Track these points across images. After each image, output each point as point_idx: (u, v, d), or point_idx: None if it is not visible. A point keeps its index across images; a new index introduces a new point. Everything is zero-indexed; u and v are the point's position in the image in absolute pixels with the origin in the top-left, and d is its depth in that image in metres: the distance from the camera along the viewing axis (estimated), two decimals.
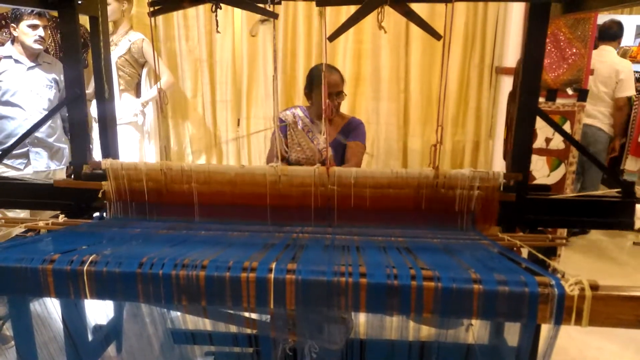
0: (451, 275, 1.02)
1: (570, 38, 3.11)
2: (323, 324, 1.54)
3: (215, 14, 1.53)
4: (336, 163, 2.35)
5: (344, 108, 2.91)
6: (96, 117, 1.85)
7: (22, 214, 2.74)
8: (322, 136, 2.33)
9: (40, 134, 2.86)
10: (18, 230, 1.47)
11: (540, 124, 1.61)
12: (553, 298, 0.97)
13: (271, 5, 1.49)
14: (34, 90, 2.83)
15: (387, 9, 1.46)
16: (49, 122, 2.87)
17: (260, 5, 1.51)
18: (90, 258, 1.10)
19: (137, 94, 3.44)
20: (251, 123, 3.76)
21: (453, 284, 1.00)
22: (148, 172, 1.59)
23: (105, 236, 1.39)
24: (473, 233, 1.47)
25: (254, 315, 1.66)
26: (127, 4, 3.26)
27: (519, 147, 1.60)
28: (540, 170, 3.25)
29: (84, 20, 1.75)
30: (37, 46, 2.78)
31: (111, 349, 1.88)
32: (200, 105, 3.74)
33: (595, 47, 3.84)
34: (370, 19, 1.50)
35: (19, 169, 2.86)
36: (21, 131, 2.79)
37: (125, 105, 3.30)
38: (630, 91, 4.00)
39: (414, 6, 1.46)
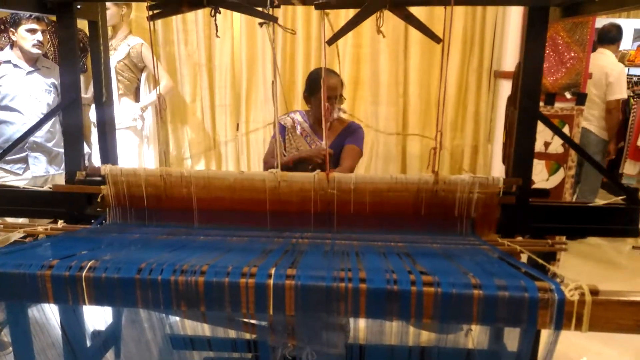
0: (451, 281, 1.01)
1: (568, 42, 3.12)
2: (321, 331, 1.54)
3: (214, 18, 1.53)
4: (332, 166, 2.35)
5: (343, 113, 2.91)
6: (95, 121, 1.84)
7: (21, 219, 2.74)
8: (321, 141, 2.33)
9: (39, 138, 2.85)
10: (17, 235, 1.46)
11: (539, 128, 1.61)
12: (553, 303, 0.97)
13: (270, 9, 1.49)
14: (32, 94, 2.83)
15: (386, 13, 1.46)
16: (48, 127, 2.87)
17: (259, 9, 1.51)
18: (89, 264, 1.09)
19: (136, 98, 3.44)
20: (250, 127, 3.76)
21: (453, 289, 1.00)
22: (147, 177, 1.58)
23: (104, 242, 1.39)
24: (473, 238, 1.47)
25: (252, 320, 1.65)
26: (126, 9, 3.27)
27: (520, 152, 1.59)
28: (539, 175, 3.25)
29: (83, 24, 1.75)
30: (35, 50, 2.78)
31: (110, 355, 1.87)
32: (200, 110, 3.74)
33: (594, 50, 3.85)
34: (369, 23, 1.50)
35: (17, 174, 2.85)
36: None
37: (124, 110, 3.30)
38: (620, 94, 3.98)
39: (413, 10, 1.47)
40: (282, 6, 1.54)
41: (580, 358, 2.53)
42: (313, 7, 1.48)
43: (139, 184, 1.58)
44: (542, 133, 3.11)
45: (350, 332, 1.64)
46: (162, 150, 3.46)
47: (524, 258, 1.36)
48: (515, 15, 3.21)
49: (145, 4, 1.52)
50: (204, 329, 1.69)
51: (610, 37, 4.13)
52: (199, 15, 3.48)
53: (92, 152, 3.18)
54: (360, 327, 1.42)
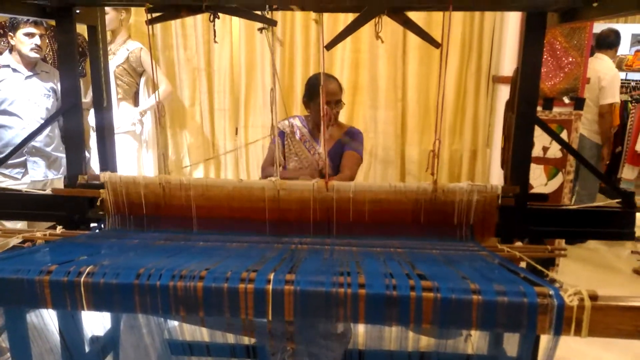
0: (450, 286, 1.01)
1: (566, 47, 3.13)
2: (319, 337, 1.54)
3: (213, 23, 1.53)
4: (333, 172, 2.35)
5: (342, 117, 2.91)
6: (94, 126, 1.84)
7: (20, 224, 2.73)
8: (320, 147, 2.33)
9: (38, 143, 2.85)
10: (15, 241, 1.46)
11: (537, 132, 1.62)
12: (552, 308, 0.97)
13: (269, 12, 1.50)
14: (31, 99, 2.83)
15: (385, 19, 1.46)
16: (47, 131, 2.87)
17: (258, 12, 1.51)
18: (88, 269, 1.09)
19: (135, 103, 3.44)
20: (249, 132, 3.76)
21: (452, 294, 1.00)
22: (146, 185, 1.59)
23: (103, 247, 1.38)
24: (472, 244, 1.47)
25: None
26: (125, 13, 3.27)
27: (518, 157, 1.60)
28: (538, 179, 3.25)
29: (82, 29, 1.75)
30: (33, 54, 2.78)
31: None
32: (199, 114, 3.74)
33: (592, 55, 3.87)
34: (368, 28, 1.50)
35: (16, 179, 2.85)
36: (19, 140, 2.78)
37: (123, 114, 3.30)
38: (612, 98, 4.00)
39: (411, 15, 1.47)
40: (281, 12, 1.55)
41: None
42: (311, 12, 1.48)
43: (138, 191, 1.59)
44: (540, 138, 3.13)
45: (350, 338, 1.64)
46: (161, 153, 3.46)
47: (523, 263, 1.36)
48: (513, 20, 3.22)
49: (144, 9, 1.52)
50: (203, 334, 1.69)
51: (608, 42, 4.16)
52: (198, 20, 3.49)
53: (91, 157, 3.18)
54: (360, 332, 1.42)
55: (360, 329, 1.39)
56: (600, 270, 3.87)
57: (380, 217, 1.52)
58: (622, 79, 5.55)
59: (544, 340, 1.05)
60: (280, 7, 1.54)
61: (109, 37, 3.18)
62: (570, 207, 1.61)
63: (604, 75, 3.98)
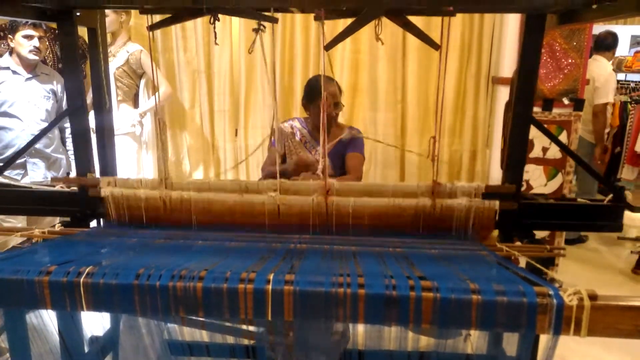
0: (450, 286, 1.01)
1: (566, 48, 3.13)
2: (315, 338, 1.54)
3: (213, 25, 1.53)
4: (335, 173, 2.35)
5: (342, 119, 2.91)
6: (94, 127, 1.84)
7: (19, 224, 2.74)
8: (320, 147, 2.33)
9: (37, 144, 2.85)
10: (15, 241, 1.46)
11: (536, 133, 1.62)
12: (552, 308, 0.97)
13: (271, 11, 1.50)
14: (31, 101, 2.84)
15: (385, 20, 1.47)
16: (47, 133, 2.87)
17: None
18: (87, 270, 1.09)
19: (135, 104, 3.44)
20: (249, 133, 3.76)
21: (452, 294, 1.00)
22: (147, 199, 1.61)
23: (102, 246, 1.38)
24: (471, 243, 1.47)
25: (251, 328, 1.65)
26: (125, 16, 3.28)
27: (514, 156, 1.62)
28: (538, 180, 3.25)
29: (82, 31, 1.76)
30: (32, 57, 2.78)
31: None
32: (198, 116, 3.74)
33: (590, 57, 3.89)
34: (367, 30, 1.51)
35: (16, 180, 2.85)
36: (19, 142, 2.79)
37: (123, 116, 3.30)
38: (606, 98, 4.08)
39: (411, 16, 1.47)
40: (281, 14, 1.55)
41: None
42: (312, 14, 1.48)
43: (139, 205, 1.61)
44: (540, 138, 3.13)
45: (349, 338, 1.64)
46: (160, 154, 3.47)
47: (522, 263, 1.36)
48: (513, 22, 3.22)
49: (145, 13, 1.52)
50: (202, 335, 1.69)
51: (606, 44, 4.23)
52: (198, 22, 3.49)
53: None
54: (359, 332, 1.42)
55: (360, 328, 1.39)
56: (600, 271, 3.87)
57: (380, 228, 1.55)
58: (621, 80, 5.58)
59: (544, 340, 1.05)
60: (281, 10, 1.55)
61: (109, 39, 3.18)
62: (563, 200, 1.65)
63: (599, 75, 4.05)
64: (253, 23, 1.54)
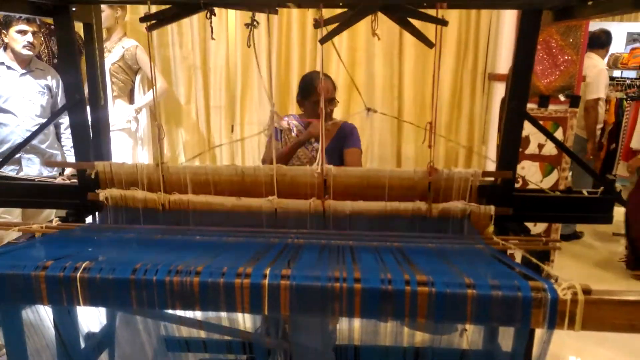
0: (445, 280, 1.02)
1: (562, 45, 3.14)
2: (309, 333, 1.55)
3: (210, 20, 1.53)
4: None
5: (338, 115, 2.92)
6: (89, 124, 1.84)
7: (15, 220, 2.73)
8: (317, 143, 2.34)
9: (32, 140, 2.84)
10: (10, 236, 1.46)
11: (532, 130, 1.63)
12: (546, 302, 0.98)
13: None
14: (26, 96, 2.82)
15: (381, 17, 1.47)
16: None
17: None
18: (84, 265, 1.09)
19: (131, 100, 3.43)
20: (245, 129, 3.75)
21: (447, 289, 1.00)
22: (146, 200, 1.60)
23: (99, 241, 1.38)
24: (467, 237, 1.48)
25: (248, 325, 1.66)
26: (121, 11, 3.26)
27: (507, 151, 1.64)
28: (534, 176, 3.26)
29: (78, 27, 1.75)
30: (26, 52, 2.77)
31: (104, 357, 1.86)
32: (194, 112, 3.73)
33: None
34: (364, 26, 1.50)
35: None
36: (13, 137, 2.78)
37: (118, 112, 3.29)
38: (596, 94, 4.15)
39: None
40: (277, 9, 1.54)
41: (574, 358, 2.55)
42: (308, 10, 1.48)
43: (137, 207, 1.60)
44: (536, 135, 3.14)
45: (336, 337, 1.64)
46: (156, 147, 3.46)
47: (517, 257, 1.37)
48: (509, 18, 3.23)
49: (139, 6, 1.51)
50: (199, 331, 1.69)
51: (599, 42, 4.31)
52: (194, 18, 3.48)
53: None
54: (355, 327, 1.43)
55: (356, 323, 1.40)
56: (595, 267, 3.90)
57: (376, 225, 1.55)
58: (617, 77, 5.60)
59: (539, 334, 1.06)
60: (277, 5, 1.54)
61: (104, 35, 3.17)
62: (555, 192, 1.67)
63: (589, 72, 4.09)
64: (249, 18, 1.54)
